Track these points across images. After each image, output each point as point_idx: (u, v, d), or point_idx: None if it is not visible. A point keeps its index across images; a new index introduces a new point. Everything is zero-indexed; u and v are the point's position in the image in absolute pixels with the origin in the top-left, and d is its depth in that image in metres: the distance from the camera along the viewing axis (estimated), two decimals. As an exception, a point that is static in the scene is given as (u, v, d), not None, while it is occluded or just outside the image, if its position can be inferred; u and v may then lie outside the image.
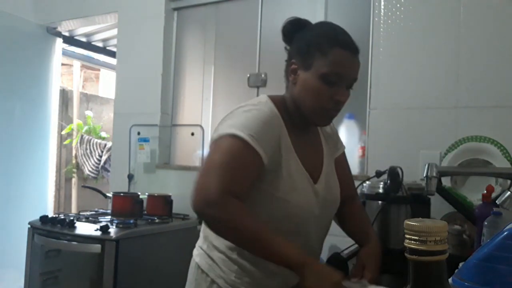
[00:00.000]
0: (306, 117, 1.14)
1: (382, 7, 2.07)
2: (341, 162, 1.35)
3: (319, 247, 1.24)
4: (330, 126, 1.32)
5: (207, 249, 1.17)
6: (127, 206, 2.21)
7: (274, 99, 1.16)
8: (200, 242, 1.23)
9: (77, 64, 5.59)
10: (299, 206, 1.11)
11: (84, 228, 2.08)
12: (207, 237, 1.19)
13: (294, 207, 1.10)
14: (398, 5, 2.04)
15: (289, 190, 1.09)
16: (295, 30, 1.16)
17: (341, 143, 1.37)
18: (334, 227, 1.35)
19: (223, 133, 1.04)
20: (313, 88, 1.09)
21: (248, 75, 2.53)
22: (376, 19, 2.09)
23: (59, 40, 3.47)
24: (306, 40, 1.12)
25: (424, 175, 1.45)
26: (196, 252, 1.23)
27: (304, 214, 1.13)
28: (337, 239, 1.63)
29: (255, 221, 1.00)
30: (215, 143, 1.06)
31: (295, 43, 1.15)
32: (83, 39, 3.98)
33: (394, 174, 1.48)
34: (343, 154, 1.37)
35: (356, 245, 1.32)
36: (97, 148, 4.86)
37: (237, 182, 1.01)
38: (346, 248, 1.36)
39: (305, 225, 1.14)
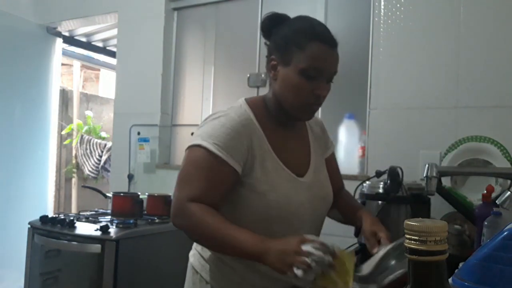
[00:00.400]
0: (288, 112, 1.13)
1: (382, 7, 2.07)
2: (331, 160, 1.35)
3: None
4: (319, 125, 1.32)
5: (201, 250, 1.18)
6: (127, 206, 2.21)
7: (251, 101, 1.17)
8: (195, 244, 1.23)
9: (77, 64, 5.59)
10: (278, 204, 1.10)
11: (84, 228, 2.08)
12: None
13: (274, 206, 1.09)
14: (398, 5, 2.04)
15: (266, 189, 1.08)
16: (273, 25, 1.15)
17: (331, 142, 1.37)
18: (334, 228, 1.35)
19: (190, 144, 1.09)
20: (293, 84, 1.08)
21: (248, 75, 2.53)
22: (376, 19, 2.09)
23: (59, 40, 3.47)
24: (283, 35, 1.11)
25: (424, 175, 1.45)
26: (191, 253, 1.24)
27: (286, 211, 1.11)
28: (337, 239, 1.62)
29: (216, 219, 1.01)
30: (185, 154, 1.10)
31: (273, 38, 1.14)
32: (83, 39, 3.98)
33: (394, 174, 1.48)
34: (333, 153, 1.38)
35: (357, 245, 1.32)
36: (97, 148, 4.86)
37: (198, 188, 1.03)
38: (346, 248, 1.37)
39: (292, 222, 1.12)
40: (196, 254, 1.20)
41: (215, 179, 1.05)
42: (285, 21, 1.15)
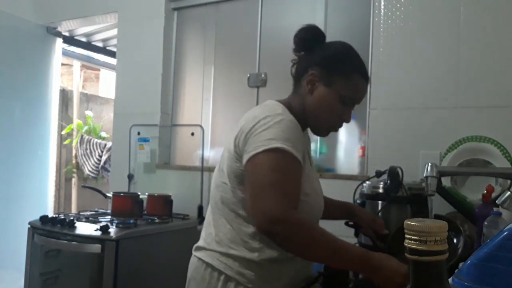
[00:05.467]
0: (311, 125, 1.21)
1: (382, 7, 2.07)
2: None
3: None
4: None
5: (222, 250, 1.14)
6: (127, 206, 2.21)
7: (284, 104, 1.18)
8: (212, 246, 1.17)
9: (77, 64, 5.59)
10: (317, 206, 1.18)
11: (84, 228, 2.08)
12: (223, 240, 1.15)
13: (314, 208, 1.17)
14: (398, 5, 2.04)
15: (309, 192, 1.14)
16: (315, 39, 1.19)
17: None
18: (335, 228, 1.35)
19: (265, 148, 1.03)
20: (330, 105, 1.16)
21: (248, 75, 2.53)
22: (376, 19, 2.09)
23: (59, 40, 3.47)
24: (331, 57, 1.17)
25: (424, 175, 1.45)
26: (203, 253, 1.18)
27: (318, 213, 1.21)
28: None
29: (322, 231, 1.03)
30: (258, 158, 1.04)
31: (317, 54, 1.18)
32: (83, 39, 3.98)
33: (394, 174, 1.48)
34: None
35: (357, 245, 1.32)
36: (97, 148, 4.86)
37: (293, 194, 1.04)
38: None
39: (316, 220, 1.22)
40: (215, 254, 1.15)
41: (299, 181, 1.07)
42: (323, 38, 1.20)
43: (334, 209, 1.40)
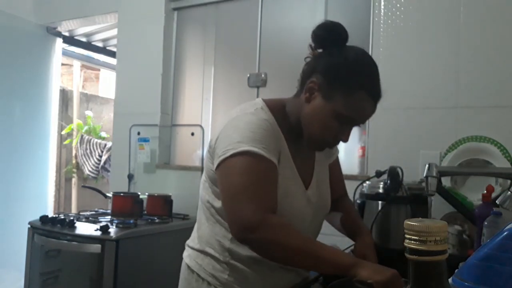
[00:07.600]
0: (304, 136, 1.11)
1: (382, 7, 2.07)
2: (335, 166, 1.37)
3: None
4: None
5: (199, 248, 1.17)
6: (127, 206, 2.21)
7: (270, 104, 1.12)
8: (191, 242, 1.22)
9: (77, 64, 5.59)
10: (292, 212, 1.09)
11: (84, 228, 2.08)
12: (202, 237, 1.18)
13: (287, 213, 1.07)
14: (398, 5, 2.04)
15: (283, 196, 1.06)
16: (329, 40, 1.06)
17: (336, 147, 1.34)
18: (334, 228, 1.35)
19: (234, 151, 0.98)
20: (323, 121, 1.05)
21: (248, 75, 2.53)
22: (376, 19, 2.09)
23: (59, 40, 3.48)
24: (336, 67, 1.04)
25: (424, 175, 1.45)
26: (186, 253, 1.22)
27: (296, 220, 1.10)
28: (337, 239, 1.63)
29: (300, 234, 0.98)
30: (227, 163, 1.00)
31: (325, 59, 1.06)
32: (83, 39, 3.98)
33: (394, 174, 1.48)
34: (336, 158, 1.39)
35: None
36: (97, 148, 4.86)
37: (268, 197, 0.98)
38: (346, 248, 1.37)
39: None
40: (193, 254, 1.18)
41: (273, 183, 1.01)
42: (340, 40, 1.07)
43: (351, 234, 1.28)
